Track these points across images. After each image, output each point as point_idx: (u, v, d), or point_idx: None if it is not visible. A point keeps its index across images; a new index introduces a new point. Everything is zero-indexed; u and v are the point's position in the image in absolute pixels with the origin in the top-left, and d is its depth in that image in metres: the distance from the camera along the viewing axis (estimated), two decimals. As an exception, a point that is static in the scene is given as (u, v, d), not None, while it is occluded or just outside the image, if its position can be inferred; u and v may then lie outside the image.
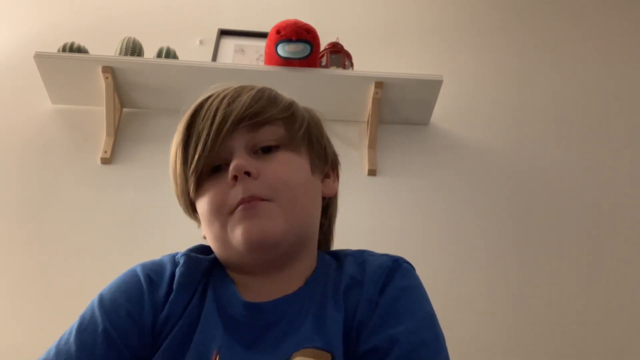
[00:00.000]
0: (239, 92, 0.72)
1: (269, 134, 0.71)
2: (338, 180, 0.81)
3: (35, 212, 1.70)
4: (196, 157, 0.68)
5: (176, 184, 0.73)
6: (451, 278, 1.65)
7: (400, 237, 1.70)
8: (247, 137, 0.70)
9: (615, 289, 1.67)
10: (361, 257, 0.73)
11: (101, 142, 1.79)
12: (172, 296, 0.68)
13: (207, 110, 0.70)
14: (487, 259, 1.70)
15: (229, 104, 0.70)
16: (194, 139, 0.69)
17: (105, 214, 1.70)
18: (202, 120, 0.70)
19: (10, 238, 1.66)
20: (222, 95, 0.71)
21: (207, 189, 0.69)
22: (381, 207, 1.76)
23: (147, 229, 1.67)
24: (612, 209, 1.81)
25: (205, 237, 0.74)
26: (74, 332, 0.65)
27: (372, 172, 1.80)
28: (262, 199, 0.66)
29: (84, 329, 0.66)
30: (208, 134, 0.68)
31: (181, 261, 0.71)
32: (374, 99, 1.78)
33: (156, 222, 1.67)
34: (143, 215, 1.69)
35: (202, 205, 0.70)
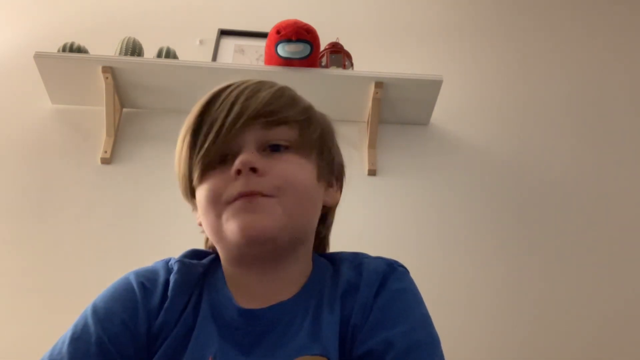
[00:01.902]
0: (259, 87, 0.70)
1: (283, 134, 0.69)
2: (341, 191, 0.80)
3: (35, 212, 1.70)
4: (206, 145, 0.67)
5: (179, 167, 0.72)
6: (451, 278, 1.65)
7: (400, 237, 1.70)
8: (259, 133, 0.68)
9: (618, 289, 1.67)
10: (357, 261, 0.72)
11: (101, 142, 1.79)
12: (166, 303, 0.68)
13: (223, 101, 0.69)
14: (487, 258, 1.70)
15: (247, 98, 0.68)
16: (206, 126, 0.68)
17: (105, 214, 1.70)
18: (217, 109, 0.68)
19: (10, 238, 1.66)
20: (241, 88, 0.70)
21: (210, 178, 0.68)
22: (381, 207, 1.76)
23: (147, 229, 1.67)
24: (614, 208, 1.81)
25: (200, 225, 0.73)
26: (67, 342, 0.65)
27: (372, 172, 1.80)
28: (263, 195, 0.65)
29: (77, 338, 0.65)
30: (222, 125, 0.67)
31: (175, 268, 0.71)
32: (374, 99, 1.78)
33: (156, 222, 1.67)
34: (143, 215, 1.69)
35: (202, 192, 0.69)
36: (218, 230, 0.67)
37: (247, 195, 0.65)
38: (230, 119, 0.67)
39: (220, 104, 0.69)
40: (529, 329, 1.60)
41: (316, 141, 0.73)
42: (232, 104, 0.68)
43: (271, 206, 0.65)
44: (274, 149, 0.69)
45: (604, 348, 1.59)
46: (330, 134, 0.77)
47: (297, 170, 0.69)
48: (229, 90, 0.70)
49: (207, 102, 0.70)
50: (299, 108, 0.72)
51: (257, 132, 0.68)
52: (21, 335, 1.48)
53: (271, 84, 0.72)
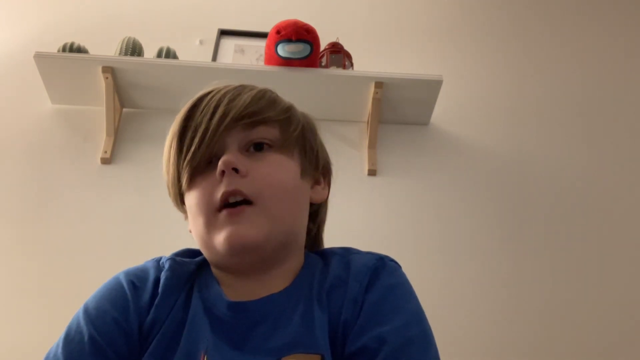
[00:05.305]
0: (240, 90, 0.73)
1: (263, 133, 0.71)
2: (329, 187, 0.81)
3: (35, 212, 1.70)
4: (192, 150, 0.69)
5: (168, 174, 0.74)
6: (451, 278, 1.65)
7: (400, 237, 1.70)
8: (242, 135, 0.70)
9: (611, 287, 1.67)
10: (346, 256, 0.73)
11: (101, 142, 1.79)
12: (157, 299, 0.68)
13: (206, 105, 0.71)
14: (487, 258, 1.70)
15: (229, 101, 0.70)
16: (190, 131, 0.70)
17: (105, 214, 1.70)
18: (201, 114, 0.70)
19: (10, 238, 1.66)
20: (223, 92, 0.72)
21: (198, 183, 0.70)
22: (381, 207, 1.76)
23: (147, 229, 1.67)
24: (615, 208, 1.81)
25: (191, 231, 0.74)
26: (61, 344, 0.66)
27: (372, 172, 1.80)
28: (246, 199, 0.67)
29: (71, 339, 0.66)
30: (206, 129, 0.69)
31: (166, 265, 0.72)
32: (374, 99, 1.78)
33: (156, 222, 1.67)
34: (143, 215, 1.69)
35: (190, 198, 0.71)
36: (207, 240, 0.69)
37: (231, 194, 0.67)
38: (214, 122, 0.69)
39: (204, 109, 0.71)
40: (531, 329, 1.60)
41: (298, 139, 0.75)
42: (215, 108, 0.70)
43: (255, 215, 0.67)
44: (257, 148, 0.71)
45: (607, 347, 1.58)
46: (313, 131, 0.79)
47: (279, 169, 0.71)
48: (211, 94, 0.72)
49: (190, 107, 0.72)
50: (279, 108, 0.74)
51: (239, 134, 0.70)
52: (21, 336, 1.48)
53: (252, 87, 0.74)
